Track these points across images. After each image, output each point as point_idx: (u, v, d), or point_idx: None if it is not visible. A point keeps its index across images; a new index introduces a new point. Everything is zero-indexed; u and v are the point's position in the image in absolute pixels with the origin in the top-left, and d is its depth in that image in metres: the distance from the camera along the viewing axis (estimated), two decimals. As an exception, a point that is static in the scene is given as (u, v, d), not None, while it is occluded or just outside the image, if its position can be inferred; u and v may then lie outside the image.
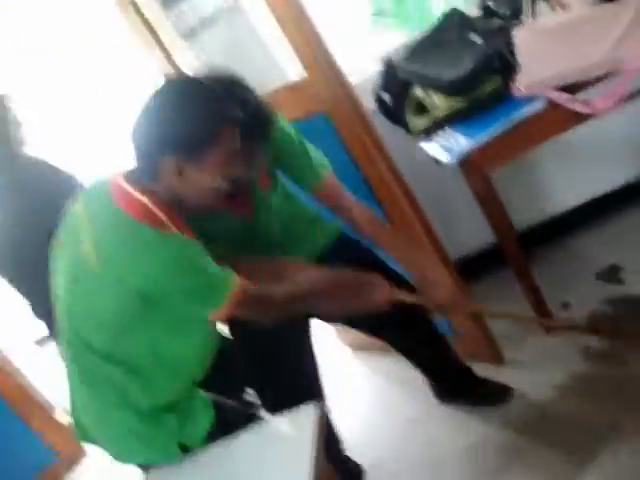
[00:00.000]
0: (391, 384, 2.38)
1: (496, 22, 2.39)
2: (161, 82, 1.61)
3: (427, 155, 2.38)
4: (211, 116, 1.51)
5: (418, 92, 2.40)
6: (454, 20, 2.43)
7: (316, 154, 2.01)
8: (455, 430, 2.45)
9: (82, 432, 1.77)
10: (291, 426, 1.57)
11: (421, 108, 2.40)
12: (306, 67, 2.28)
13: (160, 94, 1.56)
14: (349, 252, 2.20)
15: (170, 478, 1.64)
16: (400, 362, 2.53)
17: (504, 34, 2.29)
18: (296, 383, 2.13)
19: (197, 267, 1.53)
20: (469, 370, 2.55)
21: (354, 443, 2.51)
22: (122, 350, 1.62)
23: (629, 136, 2.92)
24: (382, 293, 1.81)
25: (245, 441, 1.62)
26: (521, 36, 2.21)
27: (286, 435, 1.56)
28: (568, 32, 2.18)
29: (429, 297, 1.98)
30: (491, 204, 2.45)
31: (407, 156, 2.52)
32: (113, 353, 1.61)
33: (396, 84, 2.47)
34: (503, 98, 2.28)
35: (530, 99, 2.21)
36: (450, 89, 2.28)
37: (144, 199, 1.54)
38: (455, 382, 2.55)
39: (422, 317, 2.33)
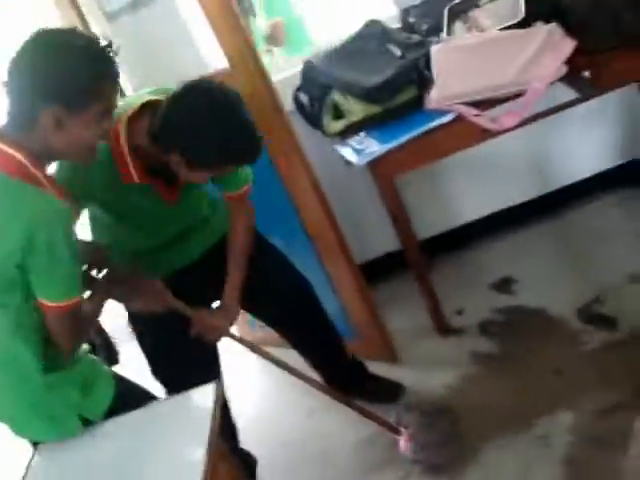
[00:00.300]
0: (290, 377, 2.44)
1: (415, 37, 2.51)
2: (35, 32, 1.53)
3: (340, 158, 2.46)
4: (97, 69, 1.49)
5: (336, 96, 2.48)
6: (375, 30, 2.54)
7: (245, 168, 2.08)
8: (348, 424, 2.52)
9: None
10: (190, 403, 1.60)
11: (338, 112, 2.49)
12: (230, 58, 2.31)
13: (41, 43, 1.49)
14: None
15: (61, 451, 1.64)
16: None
17: (422, 49, 2.42)
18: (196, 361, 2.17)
19: (65, 247, 1.48)
20: (361, 365, 2.63)
21: (249, 434, 2.56)
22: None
23: (529, 155, 3.11)
24: (151, 300, 1.96)
25: (144, 416, 1.64)
26: (437, 52, 2.33)
27: (185, 412, 1.59)
28: (481, 52, 2.32)
29: (203, 315, 2.09)
30: (395, 209, 2.55)
31: (322, 157, 2.60)
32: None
33: (315, 87, 2.55)
34: (417, 109, 2.40)
35: (441, 112, 2.33)
36: (367, 96, 2.38)
37: (17, 154, 1.49)
38: (346, 377, 2.58)
39: (316, 306, 2.45)
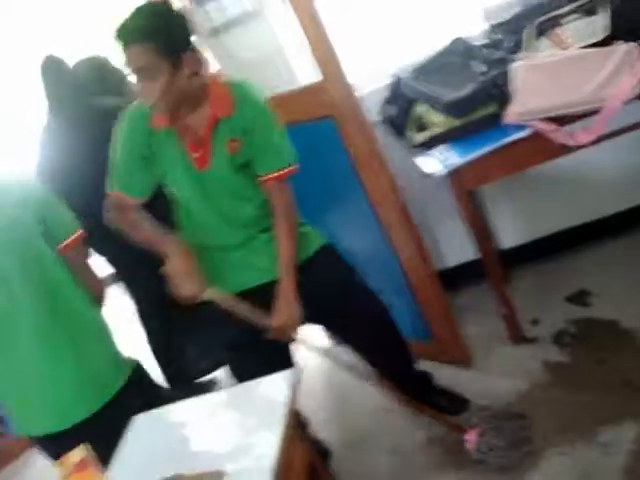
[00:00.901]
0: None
1: (498, 53, 2.60)
2: None
3: (420, 169, 2.58)
4: None
5: (420, 109, 2.61)
6: (459, 47, 2.65)
7: (280, 149, 2.14)
8: (420, 423, 2.64)
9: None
10: (269, 387, 1.73)
11: (421, 124, 2.61)
12: (322, 72, 2.45)
13: None
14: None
15: (152, 425, 1.83)
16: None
17: (504, 65, 2.51)
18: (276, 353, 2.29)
19: None
20: (428, 377, 2.69)
21: (327, 426, 2.71)
22: None
23: (608, 171, 3.13)
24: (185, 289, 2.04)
25: (223, 398, 1.80)
26: (516, 69, 2.42)
27: (263, 396, 1.73)
28: (560, 69, 2.39)
29: (260, 315, 2.14)
30: (472, 219, 2.65)
31: (404, 167, 2.72)
32: None
33: (402, 99, 2.69)
34: (496, 123, 2.49)
35: (519, 127, 2.42)
36: (448, 109, 2.50)
37: None
38: (414, 390, 2.61)
39: (389, 323, 2.50)
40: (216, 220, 2.17)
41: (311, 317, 2.28)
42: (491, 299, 2.88)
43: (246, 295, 2.17)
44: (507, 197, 3.21)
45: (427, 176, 2.49)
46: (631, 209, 3.21)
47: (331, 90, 2.45)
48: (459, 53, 2.64)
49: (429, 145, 2.59)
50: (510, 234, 3.32)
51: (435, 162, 2.52)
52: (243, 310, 2.12)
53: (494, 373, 2.76)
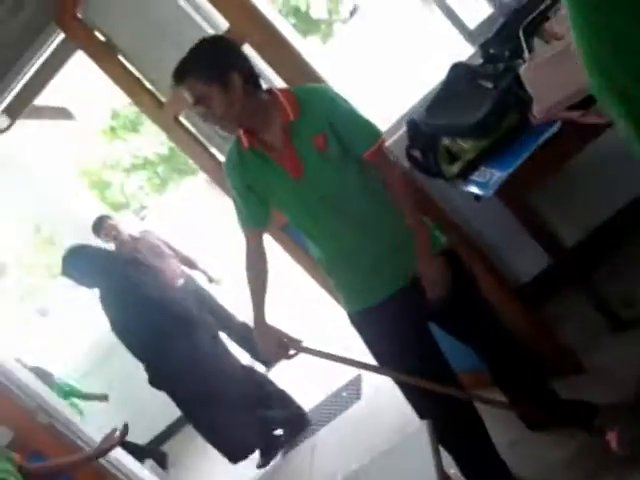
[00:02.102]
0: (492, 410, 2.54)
1: (501, 65, 2.64)
2: None
3: (468, 195, 2.58)
4: None
5: (446, 142, 2.63)
6: (460, 72, 2.69)
7: (367, 124, 2.19)
8: (551, 444, 2.56)
9: None
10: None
11: (451, 156, 2.63)
12: None
13: None
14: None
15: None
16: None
17: (511, 73, 2.54)
18: None
19: None
20: (553, 394, 2.61)
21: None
22: None
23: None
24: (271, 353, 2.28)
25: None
26: (525, 72, 2.44)
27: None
28: (564, 59, 2.40)
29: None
30: (535, 226, 2.62)
31: (452, 204, 2.72)
32: None
33: (423, 140, 2.71)
34: (524, 130, 2.50)
35: (548, 124, 2.43)
36: (473, 133, 2.52)
37: None
38: (545, 412, 2.58)
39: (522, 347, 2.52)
40: (343, 225, 2.18)
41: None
42: (576, 300, 2.80)
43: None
44: (555, 198, 3.18)
45: (478, 199, 2.48)
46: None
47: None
48: (462, 77, 2.67)
49: (466, 173, 2.59)
50: (579, 225, 3.26)
51: (479, 186, 2.53)
52: (334, 357, 2.26)
53: (609, 368, 2.67)
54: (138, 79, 3.11)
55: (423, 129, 2.70)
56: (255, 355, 5.27)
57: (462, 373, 2.52)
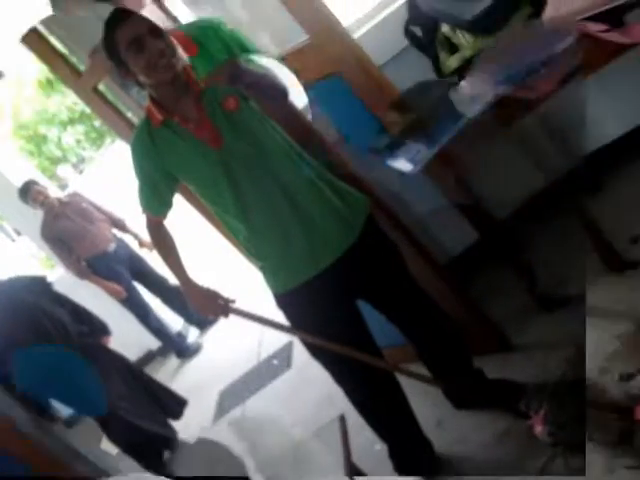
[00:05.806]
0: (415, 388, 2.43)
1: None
2: None
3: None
4: None
5: (445, 29, 2.34)
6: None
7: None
8: (480, 425, 2.42)
9: None
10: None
11: (451, 46, 2.34)
12: (308, 32, 2.26)
13: None
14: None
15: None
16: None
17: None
18: None
19: None
20: (480, 373, 2.47)
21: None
22: None
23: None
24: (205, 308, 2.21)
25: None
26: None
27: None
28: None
29: None
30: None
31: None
32: None
33: (424, 17, 2.41)
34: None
35: (562, 34, 2.07)
36: (474, 28, 2.21)
37: None
38: (470, 391, 2.46)
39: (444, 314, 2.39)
40: (271, 193, 2.02)
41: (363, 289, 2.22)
42: (508, 276, 2.67)
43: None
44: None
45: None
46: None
47: (322, 48, 2.28)
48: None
49: (463, 73, 2.23)
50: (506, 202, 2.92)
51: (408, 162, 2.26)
52: (265, 321, 2.22)
53: (537, 347, 2.50)
54: (54, 48, 3.06)
55: (422, 6, 2.38)
56: (189, 319, 5.18)
57: (386, 349, 2.41)
